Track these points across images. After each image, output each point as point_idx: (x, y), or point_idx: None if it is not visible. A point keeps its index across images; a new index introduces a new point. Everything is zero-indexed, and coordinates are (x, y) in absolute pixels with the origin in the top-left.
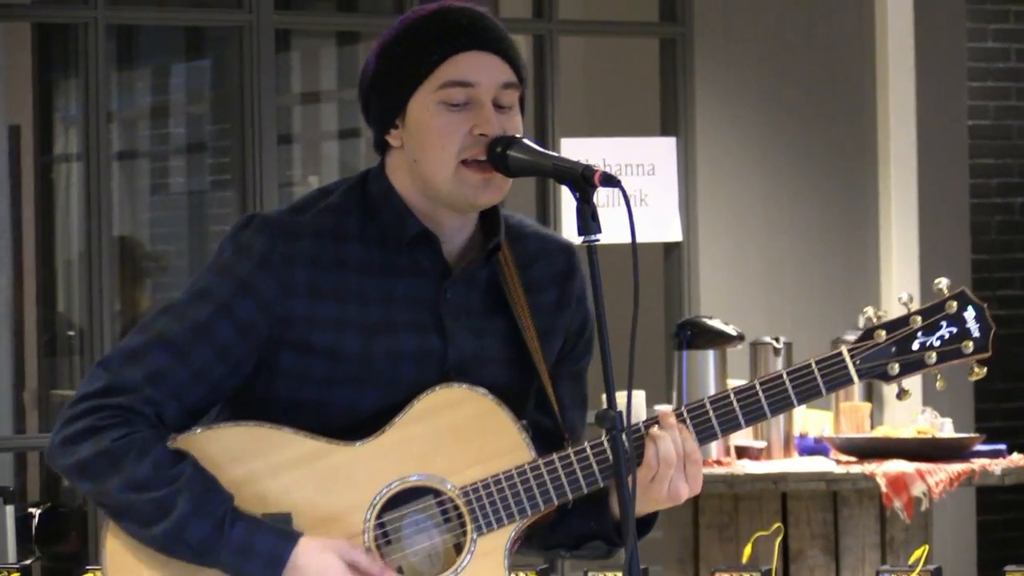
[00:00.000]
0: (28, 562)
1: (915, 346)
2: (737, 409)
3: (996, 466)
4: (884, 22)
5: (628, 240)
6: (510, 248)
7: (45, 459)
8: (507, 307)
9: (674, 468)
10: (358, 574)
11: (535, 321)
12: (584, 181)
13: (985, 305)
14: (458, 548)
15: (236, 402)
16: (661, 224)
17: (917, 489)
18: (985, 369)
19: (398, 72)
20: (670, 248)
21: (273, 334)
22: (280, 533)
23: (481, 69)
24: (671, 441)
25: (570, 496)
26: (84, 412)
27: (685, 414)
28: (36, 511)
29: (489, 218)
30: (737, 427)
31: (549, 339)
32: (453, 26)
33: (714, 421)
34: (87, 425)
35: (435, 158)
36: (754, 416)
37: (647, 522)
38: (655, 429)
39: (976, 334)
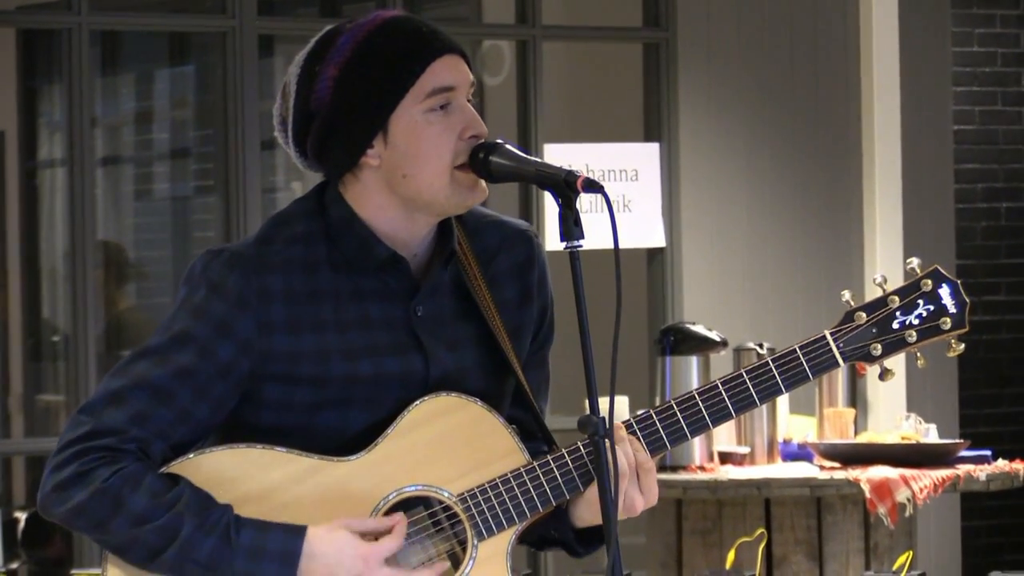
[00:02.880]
0: (14, 566)
1: (895, 325)
2: (726, 398)
3: (981, 472)
4: (869, 26)
5: (611, 246)
6: (470, 242)
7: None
8: (476, 309)
9: (626, 480)
10: (372, 540)
11: (503, 320)
12: (566, 187)
13: (959, 281)
14: (453, 556)
15: (224, 429)
16: (644, 230)
17: (901, 495)
18: (963, 345)
19: (374, 90)
20: (653, 254)
21: (255, 370)
22: (288, 529)
23: (456, 71)
24: (622, 454)
25: (567, 496)
26: (70, 458)
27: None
28: (22, 515)
29: (443, 220)
30: (728, 417)
31: (519, 336)
32: (418, 34)
33: (704, 411)
34: (75, 471)
35: (431, 168)
36: (744, 404)
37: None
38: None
39: (952, 310)
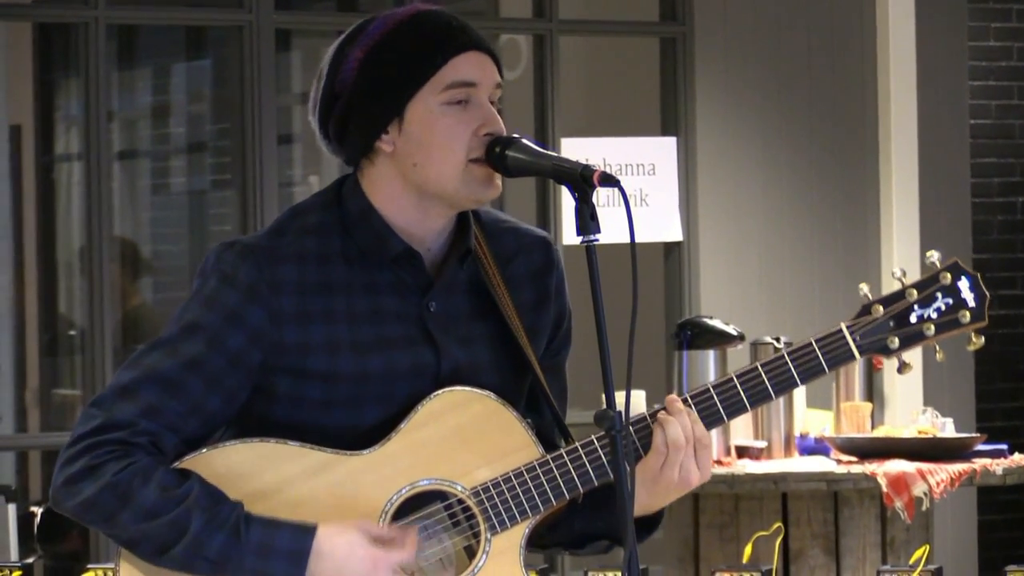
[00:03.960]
0: (30, 560)
1: (913, 319)
2: (741, 392)
3: (997, 466)
4: (885, 21)
5: (628, 240)
6: (488, 246)
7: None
8: (493, 308)
9: (683, 452)
10: (383, 546)
11: (522, 320)
12: (583, 181)
13: (978, 275)
14: (469, 550)
15: (238, 424)
16: (661, 224)
17: (918, 489)
18: (983, 339)
19: (392, 74)
20: (670, 248)
21: (266, 362)
22: (297, 527)
23: (481, 68)
24: (679, 425)
25: (581, 490)
26: (82, 451)
27: (690, 400)
28: (38, 510)
29: (461, 218)
30: (743, 410)
31: (536, 337)
32: (447, 27)
33: (719, 405)
34: (86, 464)
35: (443, 160)
36: (759, 398)
37: (654, 520)
38: (662, 415)
39: (972, 304)
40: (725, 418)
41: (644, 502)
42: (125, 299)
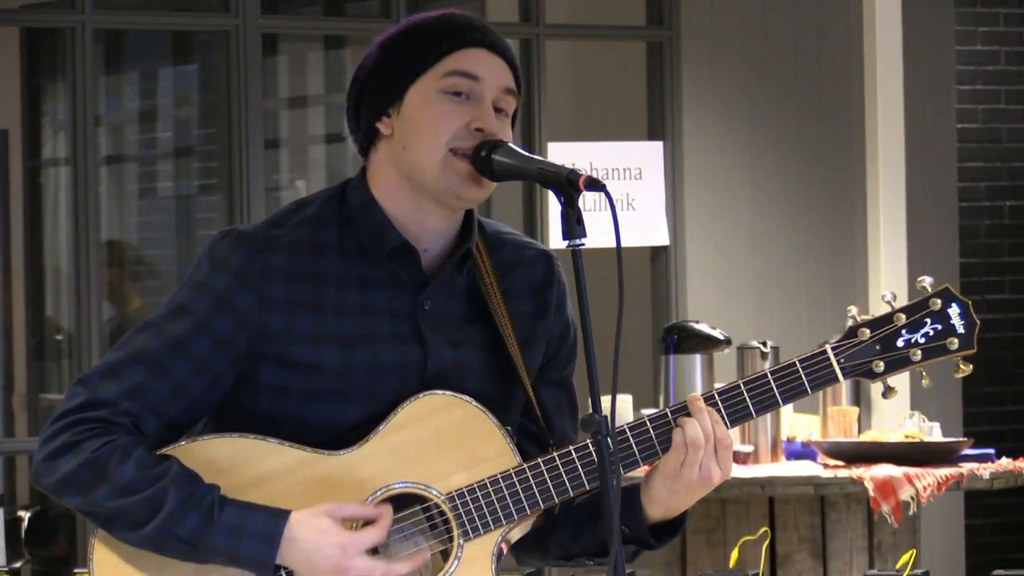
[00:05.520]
0: (18, 565)
1: (900, 343)
2: (723, 411)
3: (984, 470)
4: (872, 25)
5: (614, 244)
6: (488, 256)
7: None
8: (487, 316)
9: (703, 452)
10: (353, 529)
11: (516, 330)
12: (569, 185)
13: (969, 302)
14: (445, 555)
15: (220, 416)
16: (648, 228)
17: (905, 493)
18: (971, 366)
19: (401, 59)
20: (657, 252)
21: (252, 347)
22: (271, 511)
23: (488, 66)
24: (699, 425)
25: (556, 500)
26: (63, 428)
27: (670, 416)
28: (26, 514)
29: (465, 224)
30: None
31: (530, 348)
32: (464, 24)
33: None
34: (67, 440)
35: (426, 143)
36: (739, 417)
37: (677, 523)
38: (683, 417)
39: (961, 331)
40: None
41: (666, 501)
42: (122, 304)
